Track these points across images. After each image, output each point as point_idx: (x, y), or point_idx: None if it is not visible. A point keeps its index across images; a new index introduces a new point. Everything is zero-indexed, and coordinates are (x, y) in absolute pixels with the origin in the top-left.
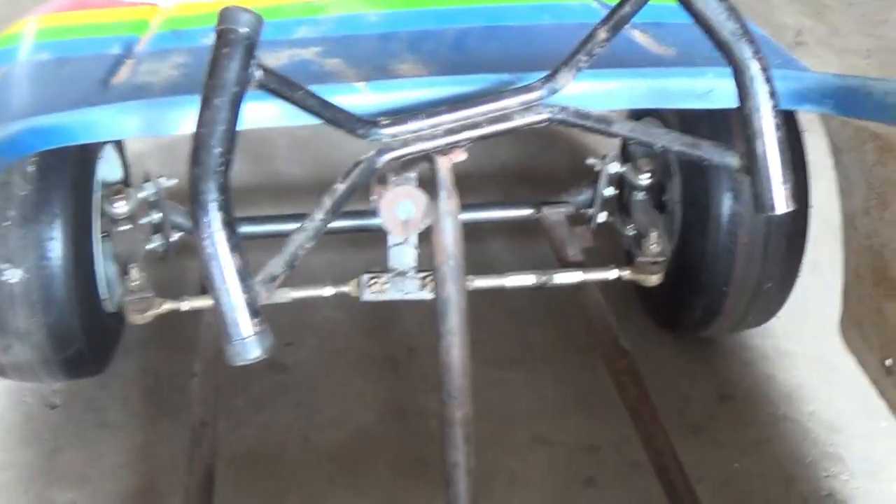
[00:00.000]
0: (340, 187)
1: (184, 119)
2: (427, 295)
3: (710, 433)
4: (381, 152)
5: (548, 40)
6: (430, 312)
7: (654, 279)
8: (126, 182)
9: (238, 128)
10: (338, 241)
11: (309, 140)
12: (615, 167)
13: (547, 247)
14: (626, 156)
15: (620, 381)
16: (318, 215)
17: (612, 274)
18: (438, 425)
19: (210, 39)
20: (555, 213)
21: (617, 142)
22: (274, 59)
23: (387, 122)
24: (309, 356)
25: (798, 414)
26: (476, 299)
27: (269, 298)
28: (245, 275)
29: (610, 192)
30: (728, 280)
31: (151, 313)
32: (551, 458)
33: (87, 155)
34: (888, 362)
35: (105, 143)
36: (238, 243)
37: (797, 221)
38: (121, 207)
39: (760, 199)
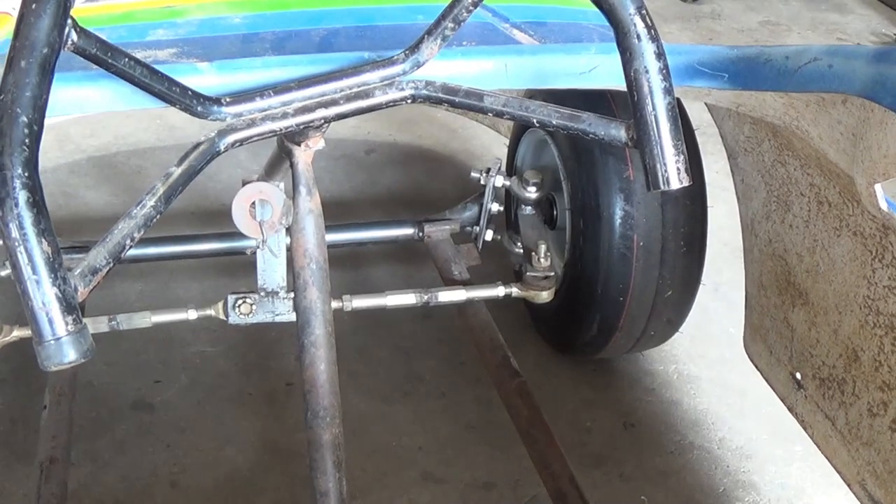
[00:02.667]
0: (175, 171)
1: None
2: None
3: (614, 465)
4: (223, 133)
5: None
6: None
7: (544, 296)
8: None
9: (58, 111)
10: (208, 271)
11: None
12: (501, 180)
13: (435, 273)
14: (512, 169)
15: (512, 403)
16: (150, 202)
17: (500, 291)
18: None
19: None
20: (439, 231)
21: (501, 152)
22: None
23: (230, 99)
24: (178, 394)
25: (707, 441)
26: (360, 331)
27: (86, 295)
28: (57, 265)
29: (496, 207)
30: (625, 290)
31: None
32: (442, 497)
33: None
34: (798, 375)
35: None
36: (49, 228)
37: (695, 223)
38: None
39: (652, 174)
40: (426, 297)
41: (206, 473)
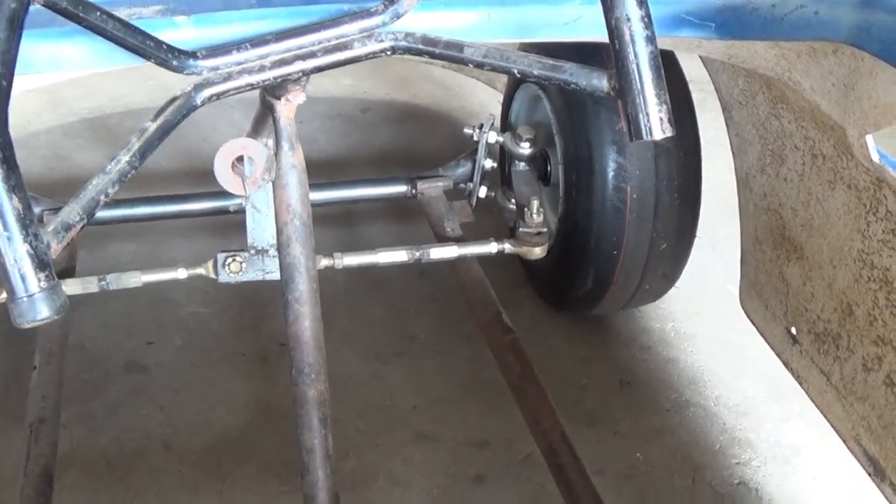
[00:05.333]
0: (151, 126)
1: None
2: None
3: (608, 423)
4: (199, 87)
5: None
6: None
7: (537, 251)
8: None
9: (28, 70)
10: (201, 232)
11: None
12: (494, 136)
13: (428, 230)
14: (506, 125)
15: (504, 359)
16: (124, 157)
17: (493, 248)
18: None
19: None
20: (432, 188)
21: (497, 110)
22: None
23: (206, 53)
24: (171, 356)
25: (703, 399)
26: (353, 291)
27: (59, 251)
28: (28, 221)
29: (490, 163)
30: (619, 243)
31: None
32: (436, 456)
33: None
34: (793, 330)
35: None
36: (19, 184)
37: (689, 175)
38: None
39: (635, 124)
40: (418, 253)
41: (198, 434)
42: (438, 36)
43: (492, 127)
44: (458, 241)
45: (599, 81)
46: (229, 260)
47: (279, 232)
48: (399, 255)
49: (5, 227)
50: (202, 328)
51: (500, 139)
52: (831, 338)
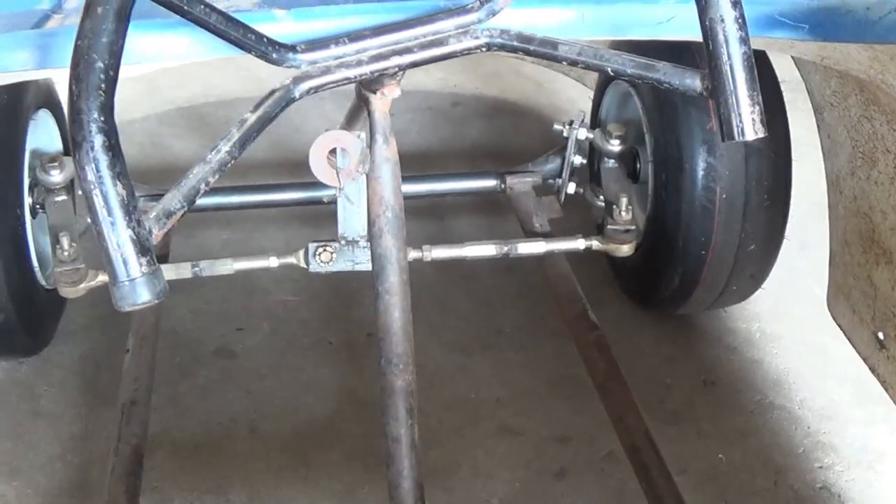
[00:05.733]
0: (251, 118)
1: None
2: None
3: (692, 422)
4: (298, 80)
5: None
6: None
7: (625, 249)
8: (66, 152)
9: (134, 60)
10: (292, 220)
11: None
12: (584, 133)
13: (516, 224)
14: (596, 122)
15: (589, 355)
16: (224, 147)
17: (580, 244)
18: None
19: None
20: (521, 183)
21: (587, 107)
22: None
23: (305, 47)
24: (260, 342)
25: (787, 401)
26: (441, 283)
27: (160, 237)
28: (132, 207)
29: (579, 160)
30: (707, 243)
31: (84, 286)
32: (519, 449)
33: (12, 117)
34: (880, 335)
35: (37, 107)
36: (124, 171)
37: (779, 175)
38: (55, 176)
39: (727, 125)
40: (506, 248)
41: (284, 420)
42: (533, 33)
43: (581, 123)
44: (546, 236)
45: (692, 81)
46: (320, 250)
47: (371, 223)
48: (487, 250)
49: (109, 213)
50: (290, 316)
51: (590, 136)
52: None
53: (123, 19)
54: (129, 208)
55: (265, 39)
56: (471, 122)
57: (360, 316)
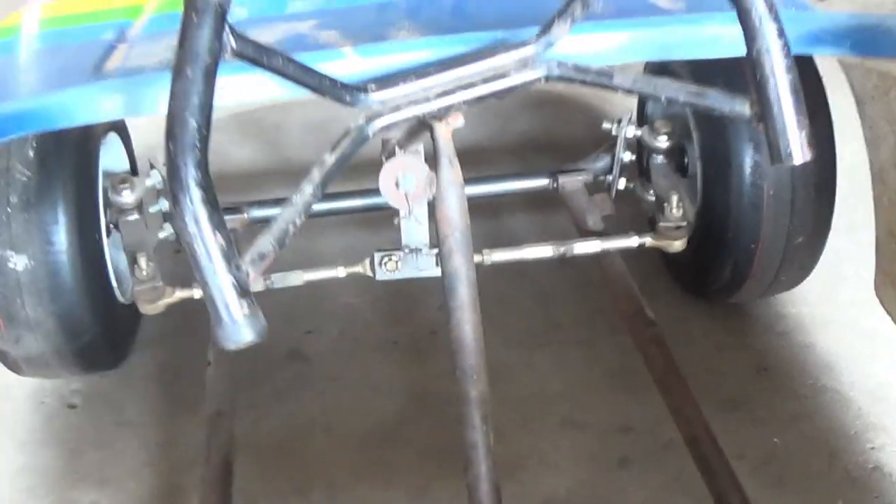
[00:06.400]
0: (329, 159)
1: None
2: None
3: (747, 408)
4: (370, 119)
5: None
6: None
7: (677, 245)
8: (133, 172)
9: (220, 102)
10: (350, 225)
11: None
12: (632, 130)
13: (568, 219)
14: (643, 118)
15: (647, 351)
16: (308, 189)
17: (634, 242)
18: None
19: None
20: (572, 182)
21: (633, 105)
22: (268, 34)
23: (375, 87)
24: (329, 344)
25: (839, 384)
26: (499, 279)
27: (258, 279)
28: (231, 254)
29: (628, 157)
30: (756, 237)
31: (163, 302)
32: (582, 441)
33: (86, 141)
34: None
35: (106, 131)
36: (221, 221)
37: (824, 170)
38: (127, 196)
39: (775, 149)
40: (562, 249)
41: (358, 420)
42: (589, 65)
43: (629, 121)
44: (601, 234)
45: (742, 108)
46: (385, 259)
47: (441, 243)
48: (544, 251)
49: (210, 261)
50: (356, 318)
51: (638, 133)
52: None
53: (211, 79)
54: (229, 256)
55: (339, 84)
56: (518, 118)
57: (422, 316)
